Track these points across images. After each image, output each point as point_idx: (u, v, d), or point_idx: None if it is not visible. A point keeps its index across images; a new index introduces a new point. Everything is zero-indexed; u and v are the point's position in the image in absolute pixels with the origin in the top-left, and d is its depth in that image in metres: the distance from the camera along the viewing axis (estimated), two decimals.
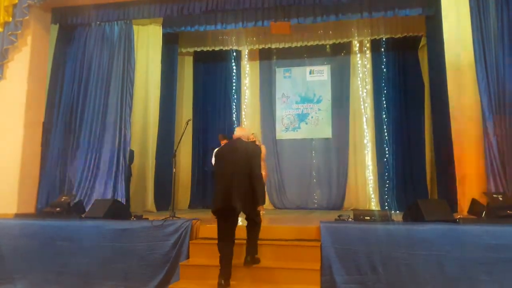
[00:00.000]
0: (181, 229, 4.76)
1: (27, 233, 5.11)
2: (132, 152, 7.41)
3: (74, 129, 7.12)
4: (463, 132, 6.26)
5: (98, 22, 7.35)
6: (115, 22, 7.37)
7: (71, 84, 7.27)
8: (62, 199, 5.95)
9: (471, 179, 6.09)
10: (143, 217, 5.49)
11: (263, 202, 4.41)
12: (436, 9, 6.90)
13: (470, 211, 5.00)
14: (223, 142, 7.54)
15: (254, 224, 4.30)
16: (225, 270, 4.02)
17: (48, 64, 7.18)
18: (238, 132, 4.48)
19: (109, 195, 6.67)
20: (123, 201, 6.67)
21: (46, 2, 6.69)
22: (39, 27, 7.01)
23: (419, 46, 8.74)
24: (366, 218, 4.71)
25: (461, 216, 4.93)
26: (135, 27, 7.63)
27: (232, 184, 4.02)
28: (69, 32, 7.49)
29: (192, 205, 9.38)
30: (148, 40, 8.12)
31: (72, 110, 7.19)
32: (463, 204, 5.96)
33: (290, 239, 4.62)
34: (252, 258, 4.32)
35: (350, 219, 4.83)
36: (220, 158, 4.42)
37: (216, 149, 5.16)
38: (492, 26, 5.91)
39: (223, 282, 3.96)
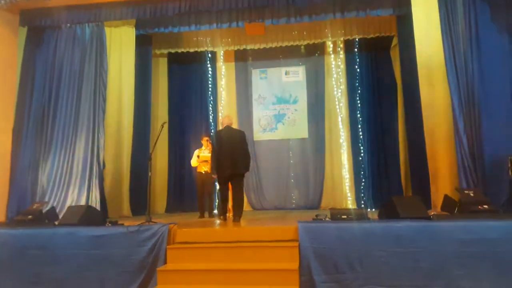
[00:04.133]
0: (157, 234, 4.69)
1: None
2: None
3: (46, 134, 6.94)
4: (435, 130, 6.43)
5: (68, 24, 7.20)
6: (87, 24, 7.23)
7: (42, 88, 7.09)
8: (34, 207, 5.79)
9: (443, 176, 6.26)
10: (118, 222, 5.39)
11: (248, 169, 6.16)
12: (407, 9, 7.03)
13: (443, 207, 5.12)
14: (204, 142, 7.53)
15: (242, 185, 6.17)
16: (225, 207, 6.29)
17: (17, 68, 6.97)
18: (228, 121, 6.34)
19: (83, 201, 6.53)
20: (98, 207, 6.55)
21: (13, 4, 6.51)
22: (6, 30, 6.82)
23: (391, 46, 8.90)
24: (343, 217, 4.76)
25: (435, 213, 5.07)
26: (107, 29, 7.50)
27: (233, 156, 5.97)
28: (38, 35, 7.30)
29: (169, 209, 9.27)
30: (121, 42, 7.96)
31: (44, 115, 7.01)
32: (436, 201, 6.11)
33: (268, 240, 4.61)
34: (239, 217, 5.92)
35: (327, 219, 4.87)
36: (220, 140, 6.12)
37: (216, 131, 6.94)
38: (461, 27, 6.09)
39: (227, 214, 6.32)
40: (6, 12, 6.74)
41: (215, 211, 8.30)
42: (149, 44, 9.04)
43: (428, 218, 4.49)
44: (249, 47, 9.46)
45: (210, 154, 7.37)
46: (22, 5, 6.68)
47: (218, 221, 6.34)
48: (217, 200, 9.11)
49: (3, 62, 6.67)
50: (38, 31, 7.28)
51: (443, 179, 6.27)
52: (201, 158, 7.35)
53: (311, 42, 9.27)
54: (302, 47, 9.49)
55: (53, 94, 7.02)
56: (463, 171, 5.78)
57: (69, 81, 7.04)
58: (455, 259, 4.06)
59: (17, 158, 6.75)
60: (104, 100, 7.09)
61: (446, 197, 5.15)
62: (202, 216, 7.30)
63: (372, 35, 8.87)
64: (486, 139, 5.69)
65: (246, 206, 9.20)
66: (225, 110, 9.72)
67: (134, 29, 7.98)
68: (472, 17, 6.02)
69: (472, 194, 4.85)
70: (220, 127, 9.25)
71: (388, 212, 4.83)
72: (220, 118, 9.66)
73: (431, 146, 6.44)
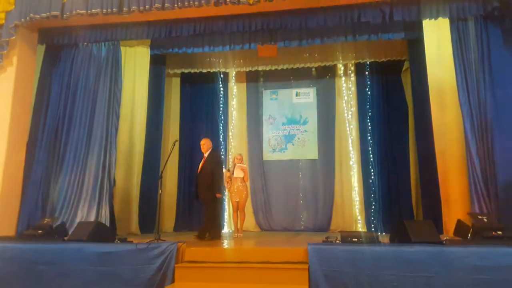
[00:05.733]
0: (166, 252, 4.68)
1: (7, 257, 4.94)
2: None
3: (59, 150, 7.01)
4: (447, 154, 6.39)
5: (85, 43, 7.35)
6: (103, 42, 7.39)
7: (57, 104, 7.20)
8: (44, 221, 5.82)
9: (455, 200, 6.18)
10: (128, 240, 5.38)
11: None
12: (419, 33, 7.09)
13: (456, 232, 5.05)
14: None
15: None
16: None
17: (34, 84, 7.12)
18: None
19: (92, 217, 6.54)
20: (107, 223, 6.55)
21: (33, 22, 6.67)
22: (25, 48, 6.97)
23: (403, 70, 8.94)
24: (353, 239, 4.71)
25: (447, 238, 4.98)
26: (122, 48, 7.65)
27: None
28: (55, 52, 7.46)
29: (178, 228, 9.23)
30: (135, 61, 8.12)
31: (57, 131, 7.10)
32: (449, 225, 6.01)
33: (277, 262, 4.56)
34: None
35: (337, 241, 4.82)
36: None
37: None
38: (473, 50, 6.11)
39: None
40: (26, 29, 6.91)
41: (223, 231, 8.27)
42: (163, 64, 9.19)
43: (441, 243, 4.42)
44: (260, 68, 9.56)
45: None
46: (41, 23, 6.85)
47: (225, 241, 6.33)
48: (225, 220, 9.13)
49: (21, 77, 6.81)
50: (55, 49, 7.45)
51: (455, 203, 6.19)
52: None
53: (322, 64, 9.34)
54: (313, 69, 9.56)
55: (68, 110, 7.12)
56: (476, 196, 5.70)
57: (84, 98, 7.15)
58: (468, 285, 3.98)
59: (30, 172, 6.80)
60: (118, 118, 7.18)
61: (459, 222, 5.08)
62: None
63: (383, 59, 8.92)
64: (499, 163, 5.64)
65: (254, 227, 9.18)
66: (236, 130, 9.78)
67: (148, 49, 8.14)
68: (484, 40, 6.05)
69: (485, 220, 4.79)
70: (231, 152, 9.39)
71: (400, 236, 4.77)
72: (230, 137, 9.72)
73: (443, 170, 6.39)
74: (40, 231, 5.52)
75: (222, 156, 9.16)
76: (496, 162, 5.66)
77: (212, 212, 6.50)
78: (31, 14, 6.54)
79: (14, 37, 6.66)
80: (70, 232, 5.76)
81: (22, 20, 6.59)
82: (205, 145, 6.77)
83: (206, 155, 6.72)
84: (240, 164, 7.23)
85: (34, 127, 7.02)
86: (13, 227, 6.47)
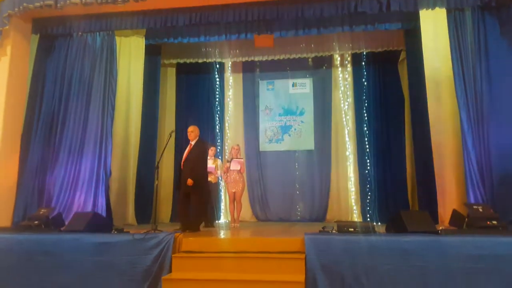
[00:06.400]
0: (163, 242, 4.67)
1: (3, 247, 4.92)
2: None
3: (54, 140, 6.97)
4: (443, 144, 6.41)
5: (80, 33, 7.26)
6: (97, 32, 7.30)
7: (52, 94, 7.14)
8: (41, 212, 5.80)
9: (451, 191, 6.22)
10: (124, 230, 5.38)
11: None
12: (415, 24, 7.08)
13: (451, 222, 5.08)
14: (210, 152, 7.53)
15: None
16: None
17: (28, 74, 7.05)
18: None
19: (89, 208, 6.53)
20: (103, 214, 6.54)
21: (27, 12, 6.59)
22: (19, 37, 6.89)
23: (399, 60, 8.94)
24: (350, 229, 4.72)
25: (443, 227, 5.01)
26: (117, 38, 7.57)
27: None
28: (50, 42, 7.38)
29: (174, 218, 9.24)
30: (130, 51, 8.05)
31: (52, 121, 7.04)
32: (444, 215, 6.06)
33: (274, 252, 4.58)
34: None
35: (334, 231, 4.84)
36: None
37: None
38: (469, 41, 6.09)
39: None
40: (19, 19, 6.83)
41: (217, 221, 8.29)
42: (158, 54, 9.13)
43: (437, 233, 4.45)
44: (257, 58, 9.52)
45: (213, 165, 7.45)
46: (35, 13, 6.76)
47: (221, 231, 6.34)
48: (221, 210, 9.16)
49: (15, 68, 6.74)
50: (49, 39, 7.37)
51: (451, 193, 6.23)
52: None
53: (318, 54, 9.32)
54: (310, 59, 9.54)
55: (63, 101, 7.06)
56: (471, 186, 5.73)
57: (79, 88, 7.08)
58: (463, 274, 4.01)
59: (25, 163, 6.77)
60: (113, 108, 7.13)
61: (454, 212, 5.11)
62: (206, 225, 7.29)
63: (380, 49, 8.91)
64: (495, 154, 5.66)
65: (250, 217, 9.21)
66: (232, 121, 9.76)
67: (143, 38, 8.07)
68: (481, 31, 6.04)
69: (481, 210, 4.81)
70: (228, 142, 9.36)
71: (396, 226, 4.79)
72: (226, 127, 9.70)
73: (438, 161, 6.42)
74: (36, 222, 5.50)
75: (218, 150, 9.12)
76: (492, 153, 5.69)
77: (196, 202, 6.10)
78: (25, 4, 6.47)
79: (7, 27, 6.60)
80: (66, 223, 5.75)
81: (16, 9, 6.52)
82: (193, 133, 6.43)
83: (192, 143, 6.39)
84: (237, 159, 7.25)
85: (29, 118, 6.97)
86: (9, 217, 6.46)
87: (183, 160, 6.32)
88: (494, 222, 4.63)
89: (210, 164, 7.35)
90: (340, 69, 9.45)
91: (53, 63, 7.28)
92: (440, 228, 4.82)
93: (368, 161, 8.96)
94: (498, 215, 4.83)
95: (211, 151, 7.62)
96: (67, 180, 6.74)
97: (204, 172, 6.49)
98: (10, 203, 6.53)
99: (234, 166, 7.22)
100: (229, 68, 9.95)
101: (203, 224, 6.97)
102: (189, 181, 5.96)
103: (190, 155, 6.28)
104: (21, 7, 6.47)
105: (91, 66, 7.18)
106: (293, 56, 9.36)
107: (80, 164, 6.85)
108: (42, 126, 6.98)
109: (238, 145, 7.63)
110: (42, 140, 6.93)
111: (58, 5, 6.38)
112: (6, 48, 6.69)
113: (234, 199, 7.24)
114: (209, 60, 9.65)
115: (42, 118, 7.02)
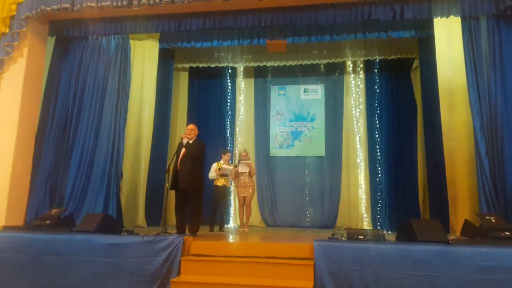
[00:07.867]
0: (172, 245, 4.70)
1: (15, 246, 5.00)
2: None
3: (67, 142, 7.06)
4: (455, 153, 6.35)
5: (95, 36, 7.37)
6: (112, 36, 7.40)
7: (66, 96, 7.24)
8: (52, 212, 5.87)
9: (463, 200, 6.15)
10: (134, 232, 5.41)
11: None
12: (429, 32, 7.05)
13: (463, 232, 5.01)
14: (225, 156, 7.53)
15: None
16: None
17: (43, 76, 7.16)
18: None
19: (100, 209, 6.59)
20: (114, 215, 6.60)
21: (43, 14, 6.71)
22: (36, 39, 7.01)
23: (412, 68, 8.88)
24: (359, 237, 4.70)
25: (454, 237, 4.95)
26: (131, 42, 7.68)
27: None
28: (65, 45, 7.50)
29: None
30: (144, 55, 8.16)
31: (66, 123, 7.14)
32: (456, 225, 5.99)
33: (282, 257, 4.57)
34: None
35: (343, 238, 4.81)
36: None
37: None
38: (484, 50, 6.04)
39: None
40: (36, 21, 6.94)
41: (227, 225, 8.29)
42: (171, 58, 9.22)
43: (448, 242, 4.39)
44: (269, 64, 9.55)
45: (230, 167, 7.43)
46: (51, 15, 6.88)
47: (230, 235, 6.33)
48: (231, 214, 9.15)
49: (31, 69, 6.85)
50: (65, 41, 7.48)
51: (463, 203, 6.16)
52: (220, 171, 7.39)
53: (331, 61, 9.30)
54: (322, 66, 9.53)
55: (77, 103, 7.16)
56: (484, 196, 5.65)
57: (93, 90, 7.18)
58: (474, 285, 3.95)
59: (38, 163, 6.86)
60: (126, 111, 7.22)
61: (466, 222, 5.04)
62: (212, 229, 7.30)
63: (393, 56, 8.87)
64: (508, 164, 5.59)
65: (259, 222, 9.19)
66: (243, 125, 9.78)
67: (157, 42, 8.18)
68: (496, 40, 5.97)
69: (493, 220, 4.74)
70: (238, 147, 9.35)
71: (406, 234, 4.74)
72: (237, 132, 9.72)
73: (451, 170, 6.35)
74: (48, 221, 5.56)
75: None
76: (506, 163, 5.61)
77: (194, 205, 5.79)
78: (42, 6, 6.58)
79: (24, 29, 6.72)
80: (77, 223, 5.80)
81: (33, 12, 6.64)
82: (194, 131, 6.04)
83: (190, 142, 5.92)
84: (245, 160, 7.25)
85: (43, 119, 7.07)
86: (21, 217, 6.54)
87: (179, 159, 5.86)
88: (507, 233, 4.55)
89: (226, 166, 7.37)
90: (352, 75, 9.43)
91: (68, 65, 7.39)
92: (452, 237, 4.76)
93: (379, 168, 8.90)
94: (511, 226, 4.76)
95: (227, 156, 7.59)
96: (79, 181, 6.82)
97: (202, 173, 6.09)
98: (23, 202, 6.61)
99: (243, 168, 7.23)
100: (241, 73, 10.00)
101: (208, 228, 6.94)
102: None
103: (188, 154, 5.83)
104: (38, 10, 6.60)
105: (105, 69, 7.28)
106: (305, 62, 9.36)
107: (92, 165, 6.93)
108: (56, 127, 7.07)
109: (245, 150, 7.63)
110: (56, 141, 7.02)
111: (75, 8, 6.48)
112: (23, 50, 6.81)
113: (244, 203, 7.24)
114: (222, 64, 9.71)
115: (56, 119, 7.11)
